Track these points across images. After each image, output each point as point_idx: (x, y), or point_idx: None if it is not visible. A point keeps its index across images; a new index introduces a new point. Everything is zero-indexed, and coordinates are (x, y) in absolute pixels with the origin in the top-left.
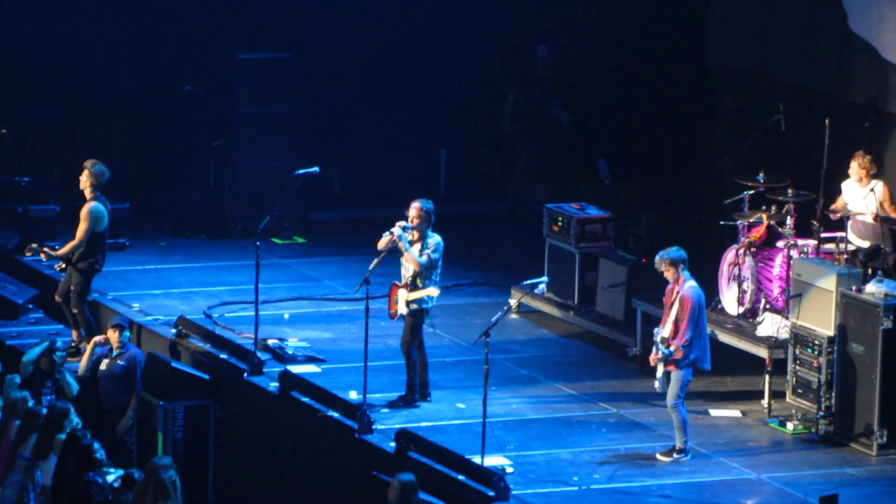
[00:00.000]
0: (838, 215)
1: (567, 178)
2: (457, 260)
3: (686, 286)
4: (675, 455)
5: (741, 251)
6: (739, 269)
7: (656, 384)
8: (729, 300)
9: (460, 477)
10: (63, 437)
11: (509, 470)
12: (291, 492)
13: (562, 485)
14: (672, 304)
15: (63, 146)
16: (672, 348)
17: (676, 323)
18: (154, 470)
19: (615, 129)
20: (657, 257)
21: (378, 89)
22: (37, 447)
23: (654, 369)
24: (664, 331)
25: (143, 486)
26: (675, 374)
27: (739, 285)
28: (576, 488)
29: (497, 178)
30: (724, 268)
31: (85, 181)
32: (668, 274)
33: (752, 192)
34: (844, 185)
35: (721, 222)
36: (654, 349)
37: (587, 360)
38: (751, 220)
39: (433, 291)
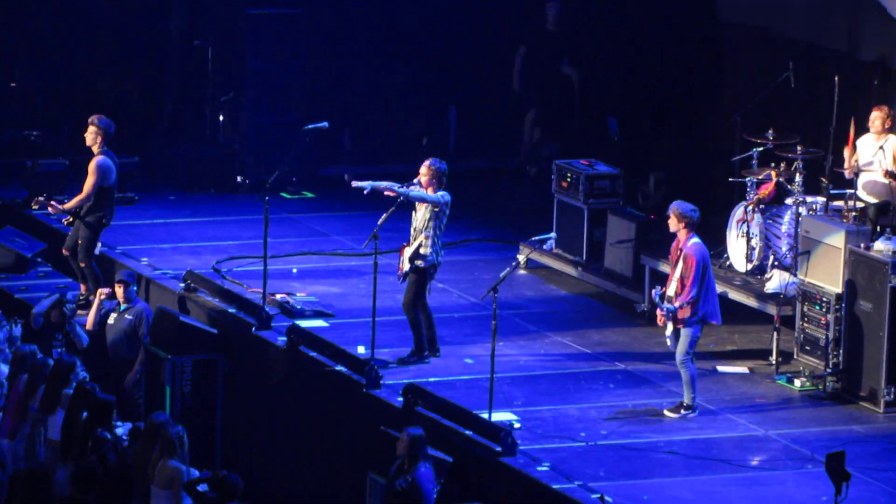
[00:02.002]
0: (847, 170)
1: (576, 135)
2: (465, 216)
3: (690, 243)
4: (682, 411)
5: (750, 208)
6: (748, 226)
7: (667, 342)
8: (737, 257)
9: (468, 432)
10: (70, 390)
11: (517, 425)
12: (299, 446)
13: (569, 440)
14: (677, 261)
15: (72, 100)
16: (676, 304)
17: (682, 280)
18: (157, 427)
19: (624, 86)
20: (672, 206)
21: (388, 44)
22: (43, 401)
23: (662, 326)
24: (669, 288)
25: (143, 445)
26: (685, 331)
27: (748, 242)
28: (583, 444)
29: (506, 134)
30: (733, 224)
31: (92, 136)
32: (671, 223)
33: (761, 149)
34: (860, 142)
35: (730, 179)
36: (657, 309)
37: (595, 316)
38: (760, 177)
39: (421, 237)
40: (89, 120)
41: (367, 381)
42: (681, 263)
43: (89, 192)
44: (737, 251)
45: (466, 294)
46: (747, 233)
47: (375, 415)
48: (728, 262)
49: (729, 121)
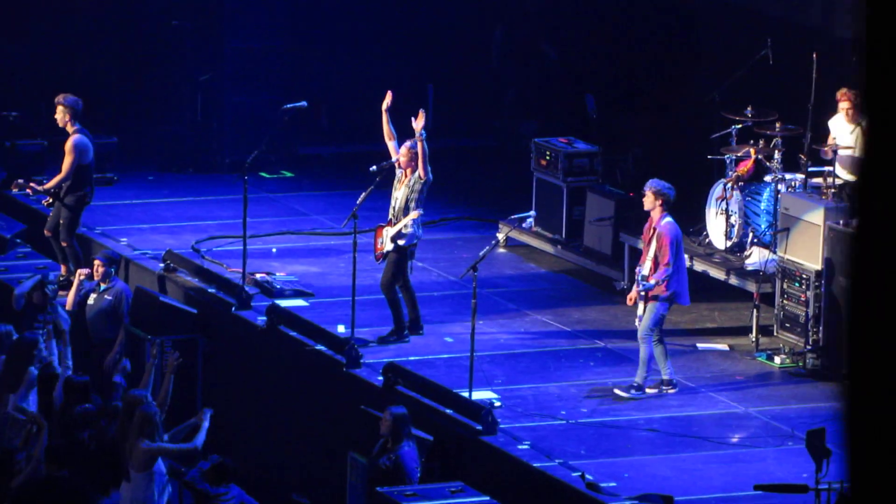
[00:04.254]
0: (828, 150)
1: (555, 113)
2: (444, 194)
3: (663, 222)
4: (632, 391)
5: (729, 185)
6: (727, 204)
7: (637, 321)
8: (716, 234)
9: (448, 411)
10: (34, 368)
11: (497, 404)
12: (279, 425)
13: (549, 419)
14: (650, 240)
15: (50, 80)
16: (652, 282)
17: (656, 259)
18: (136, 402)
19: (603, 64)
20: (648, 182)
21: (366, 23)
22: (5, 378)
23: (632, 305)
24: (644, 268)
25: (122, 421)
26: (650, 306)
27: (727, 219)
28: (563, 422)
29: (485, 112)
30: (712, 202)
31: (62, 116)
32: (647, 201)
33: (739, 126)
34: (832, 122)
35: (709, 157)
36: (634, 287)
37: (575, 294)
38: (738, 155)
39: (414, 214)
40: (56, 100)
41: (347, 360)
42: (654, 242)
43: (68, 172)
44: (716, 228)
45: (446, 272)
46: (726, 210)
47: (356, 394)
48: (707, 240)
49: (707, 98)
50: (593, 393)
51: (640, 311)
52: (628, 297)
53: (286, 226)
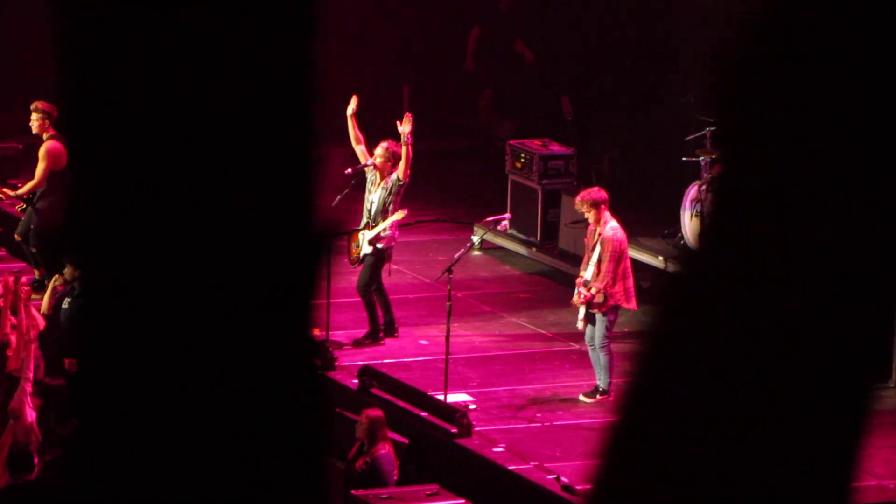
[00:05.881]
0: None
1: (530, 115)
2: (420, 196)
3: (608, 227)
4: (598, 396)
5: (704, 187)
6: (702, 206)
7: (579, 324)
8: (692, 236)
9: (423, 413)
10: None
11: (472, 407)
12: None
13: (525, 421)
14: (594, 245)
15: (26, 83)
16: (594, 290)
17: (599, 265)
18: None
19: (578, 66)
20: (577, 199)
21: (341, 25)
22: None
23: (575, 309)
24: (587, 272)
25: None
26: (600, 316)
27: (702, 221)
28: (539, 424)
29: (460, 114)
30: (687, 204)
31: (39, 122)
32: (591, 216)
33: (714, 128)
34: None
35: (684, 158)
36: (575, 291)
37: (550, 296)
38: (714, 156)
39: (399, 215)
40: (31, 107)
41: (322, 363)
42: (598, 248)
43: (40, 178)
44: (691, 231)
45: (421, 275)
46: (701, 212)
47: (331, 397)
48: (682, 242)
49: (683, 100)
50: (568, 395)
51: (581, 313)
52: (572, 300)
53: None
